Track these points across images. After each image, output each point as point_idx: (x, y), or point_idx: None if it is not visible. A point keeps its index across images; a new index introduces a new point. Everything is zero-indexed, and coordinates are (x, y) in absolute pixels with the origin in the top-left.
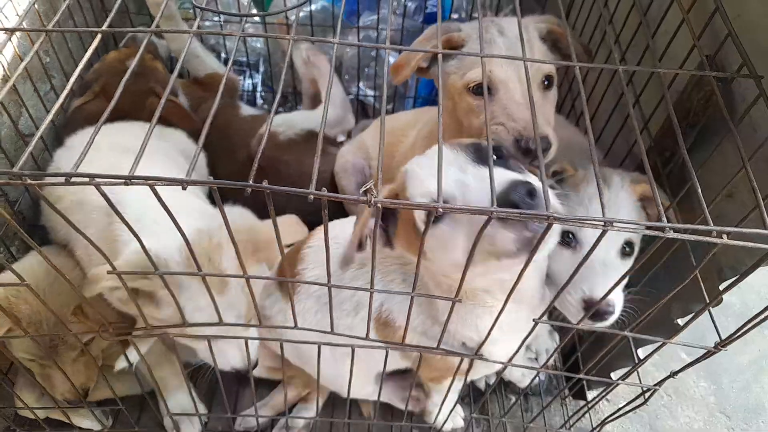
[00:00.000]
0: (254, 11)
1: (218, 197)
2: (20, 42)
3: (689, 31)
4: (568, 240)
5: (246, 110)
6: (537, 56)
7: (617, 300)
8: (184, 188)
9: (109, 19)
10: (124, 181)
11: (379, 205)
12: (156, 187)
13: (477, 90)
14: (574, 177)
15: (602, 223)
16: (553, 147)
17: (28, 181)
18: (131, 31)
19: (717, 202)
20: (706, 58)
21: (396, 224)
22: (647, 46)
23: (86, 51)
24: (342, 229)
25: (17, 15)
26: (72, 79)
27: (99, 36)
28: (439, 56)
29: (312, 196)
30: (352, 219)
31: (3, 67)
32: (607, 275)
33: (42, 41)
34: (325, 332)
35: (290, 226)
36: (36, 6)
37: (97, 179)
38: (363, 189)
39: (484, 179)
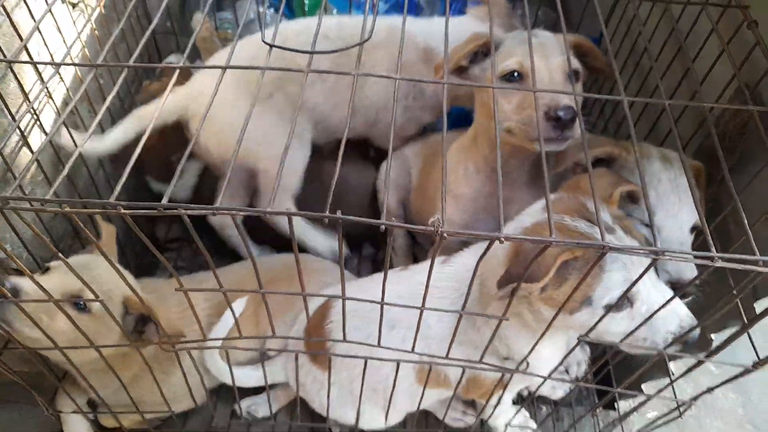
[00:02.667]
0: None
1: (292, 226)
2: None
3: (731, 64)
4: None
5: None
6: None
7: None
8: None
9: (139, 46)
10: (211, 211)
11: (445, 235)
12: None
13: (509, 78)
14: (627, 159)
15: (654, 254)
16: (579, 119)
17: (122, 211)
18: (160, 66)
19: (754, 225)
20: (746, 86)
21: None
22: (686, 71)
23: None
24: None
25: (79, 38)
26: (100, 113)
27: (125, 71)
28: (445, 87)
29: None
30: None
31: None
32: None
33: (93, 72)
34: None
35: None
36: (93, 30)
37: (182, 210)
38: (431, 221)
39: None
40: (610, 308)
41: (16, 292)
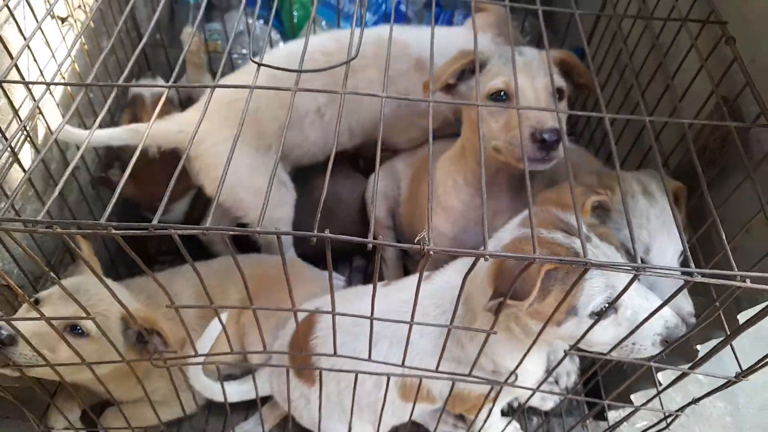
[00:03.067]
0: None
1: (281, 245)
2: (69, 78)
3: (709, 80)
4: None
5: None
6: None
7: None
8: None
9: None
10: (201, 232)
11: (431, 252)
12: None
13: (495, 97)
14: (614, 200)
15: (634, 269)
16: (564, 141)
17: (114, 232)
18: (150, 86)
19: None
20: (723, 101)
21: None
22: (667, 86)
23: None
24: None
25: (69, 55)
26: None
27: (115, 90)
28: (430, 106)
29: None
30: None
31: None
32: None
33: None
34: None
35: None
36: (83, 44)
37: (172, 230)
38: (417, 238)
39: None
40: (597, 317)
41: (13, 340)
